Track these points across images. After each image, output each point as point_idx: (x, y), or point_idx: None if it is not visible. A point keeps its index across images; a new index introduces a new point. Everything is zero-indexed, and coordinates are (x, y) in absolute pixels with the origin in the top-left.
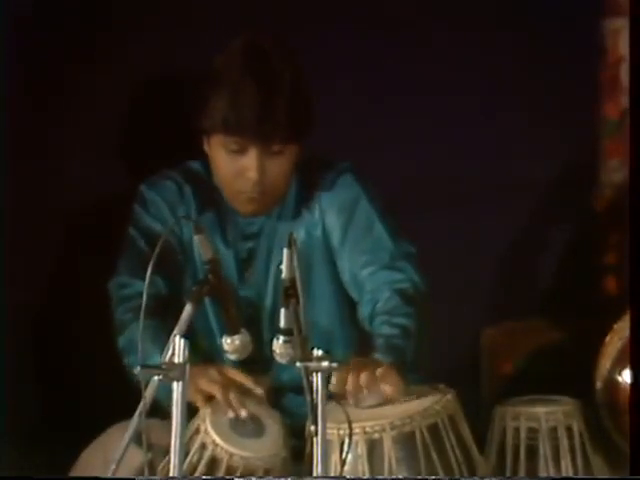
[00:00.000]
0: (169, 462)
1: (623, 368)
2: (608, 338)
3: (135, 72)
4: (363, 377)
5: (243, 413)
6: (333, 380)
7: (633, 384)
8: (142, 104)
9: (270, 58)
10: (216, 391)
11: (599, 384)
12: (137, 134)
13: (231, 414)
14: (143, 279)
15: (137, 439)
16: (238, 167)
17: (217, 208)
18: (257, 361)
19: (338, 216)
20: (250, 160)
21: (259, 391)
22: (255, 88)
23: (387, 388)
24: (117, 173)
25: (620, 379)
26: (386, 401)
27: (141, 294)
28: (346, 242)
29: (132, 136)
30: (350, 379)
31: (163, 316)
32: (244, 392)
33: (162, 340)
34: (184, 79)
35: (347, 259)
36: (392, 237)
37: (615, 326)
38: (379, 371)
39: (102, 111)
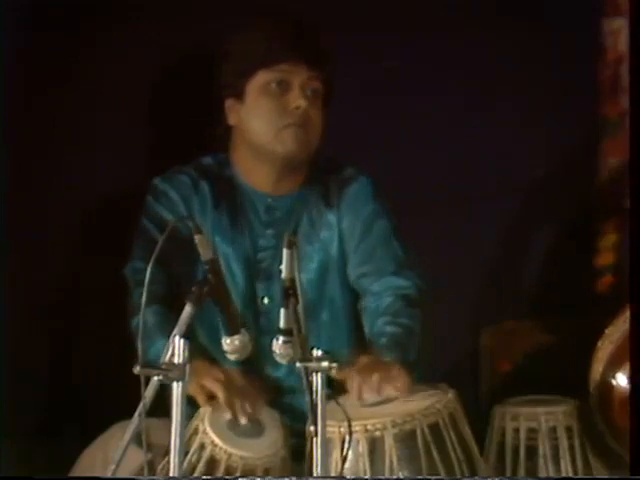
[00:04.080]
0: (169, 462)
1: (616, 372)
2: (600, 343)
3: (140, 62)
4: (375, 378)
5: (243, 420)
6: (337, 375)
7: (632, 384)
8: (149, 98)
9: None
10: (219, 391)
11: (592, 389)
12: (147, 129)
13: (230, 416)
14: (158, 265)
15: (137, 439)
16: (282, 102)
17: (235, 200)
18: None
19: (355, 225)
20: (294, 92)
21: (247, 413)
22: (285, 24)
23: (397, 387)
24: (125, 169)
25: (614, 382)
26: (389, 399)
27: (157, 279)
28: (359, 251)
29: (141, 132)
30: (361, 379)
31: (175, 302)
32: (246, 395)
33: (171, 326)
34: (194, 64)
35: (357, 265)
36: (402, 248)
37: (607, 331)
38: (392, 372)
39: (104, 108)
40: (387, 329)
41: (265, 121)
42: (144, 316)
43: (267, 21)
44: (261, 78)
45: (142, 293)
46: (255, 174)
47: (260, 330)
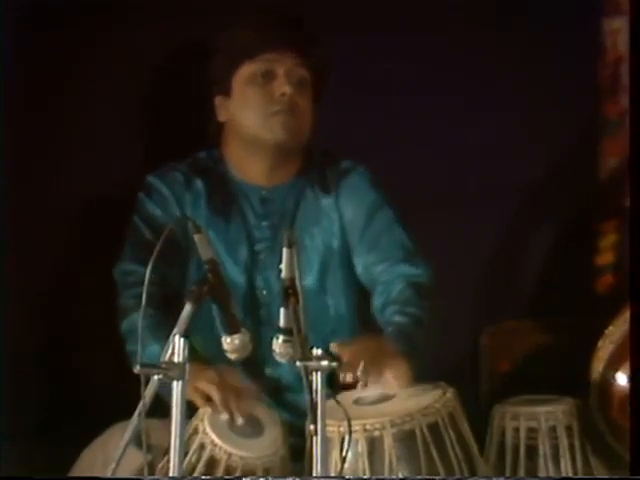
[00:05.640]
0: (168, 462)
1: (616, 371)
2: (600, 343)
3: (137, 61)
4: (370, 363)
5: (239, 420)
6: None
7: (632, 383)
8: (146, 96)
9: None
10: (214, 392)
11: (592, 389)
12: (144, 127)
13: (226, 416)
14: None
15: (137, 440)
16: (269, 91)
17: (229, 194)
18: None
19: (358, 215)
20: (280, 80)
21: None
22: (271, 16)
23: (396, 377)
24: (123, 167)
25: (614, 382)
26: (390, 394)
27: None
28: (364, 239)
29: (138, 130)
30: (357, 360)
31: (167, 305)
32: (242, 395)
33: (163, 330)
34: (189, 62)
35: (364, 254)
36: (408, 235)
37: (606, 331)
38: (394, 361)
39: (102, 107)
40: (395, 319)
41: (253, 111)
42: (135, 320)
43: (249, 15)
44: (246, 70)
45: (130, 296)
46: (248, 167)
47: (260, 322)
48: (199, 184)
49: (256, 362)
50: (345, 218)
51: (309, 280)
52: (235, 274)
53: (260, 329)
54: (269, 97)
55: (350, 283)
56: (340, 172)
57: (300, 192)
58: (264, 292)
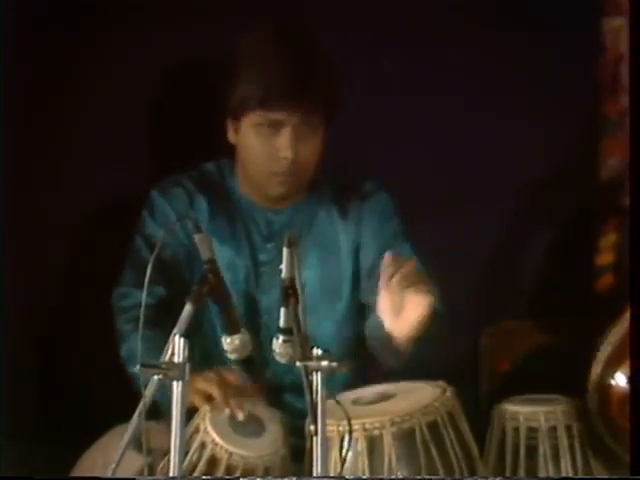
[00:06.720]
0: (169, 461)
1: (614, 372)
2: (599, 344)
3: (146, 66)
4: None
5: (240, 415)
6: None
7: (632, 384)
8: (153, 102)
9: (300, 38)
10: (214, 390)
11: (591, 390)
12: (145, 134)
13: (227, 413)
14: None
15: (136, 443)
16: (271, 148)
17: (234, 213)
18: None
19: (373, 246)
20: (284, 139)
21: (252, 395)
22: (288, 60)
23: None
24: (122, 176)
25: (613, 382)
26: (389, 393)
27: (140, 305)
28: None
29: (137, 131)
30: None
31: (162, 326)
32: (241, 392)
33: (160, 350)
34: (193, 72)
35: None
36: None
37: (606, 332)
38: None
39: (106, 108)
40: None
41: (256, 164)
42: (133, 345)
43: (272, 51)
44: (255, 117)
45: (126, 321)
46: (254, 192)
47: (261, 344)
48: (202, 202)
49: (256, 368)
50: (360, 241)
51: (312, 296)
52: (236, 293)
53: (261, 352)
54: (271, 156)
55: (356, 308)
56: (362, 196)
57: (312, 214)
58: (266, 316)
